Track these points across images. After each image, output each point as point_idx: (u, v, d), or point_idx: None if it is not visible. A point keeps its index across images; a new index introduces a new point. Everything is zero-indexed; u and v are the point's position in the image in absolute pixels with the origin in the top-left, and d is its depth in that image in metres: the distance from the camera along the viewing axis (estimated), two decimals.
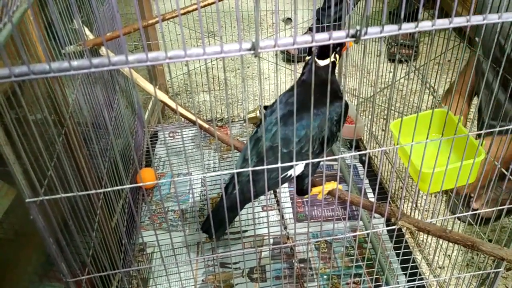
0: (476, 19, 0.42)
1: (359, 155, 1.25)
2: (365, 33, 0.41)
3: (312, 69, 0.72)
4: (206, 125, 0.79)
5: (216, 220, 0.71)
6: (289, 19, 1.97)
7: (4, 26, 0.48)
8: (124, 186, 0.46)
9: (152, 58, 0.39)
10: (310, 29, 1.91)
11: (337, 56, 0.74)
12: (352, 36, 0.41)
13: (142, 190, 1.17)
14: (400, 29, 0.41)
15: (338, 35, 0.41)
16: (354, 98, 1.47)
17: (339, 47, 0.75)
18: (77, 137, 0.73)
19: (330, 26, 1.62)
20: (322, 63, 0.72)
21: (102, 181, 0.89)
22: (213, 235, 0.74)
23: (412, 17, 1.81)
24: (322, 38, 0.41)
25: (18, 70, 0.38)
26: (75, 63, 0.38)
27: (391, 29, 0.41)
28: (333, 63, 0.73)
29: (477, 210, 0.99)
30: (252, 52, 0.41)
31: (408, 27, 0.41)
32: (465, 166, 0.66)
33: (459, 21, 0.42)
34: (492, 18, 0.43)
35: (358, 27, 0.40)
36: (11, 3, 0.55)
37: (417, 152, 0.77)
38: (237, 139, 1.34)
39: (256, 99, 1.68)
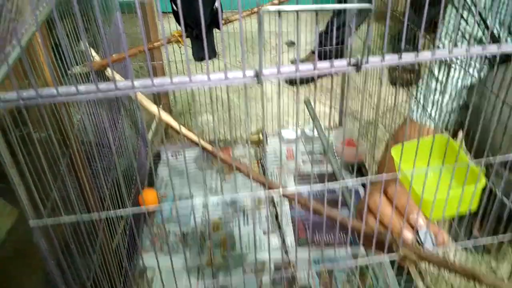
0: (475, 50, 0.43)
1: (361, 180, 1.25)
2: (366, 62, 0.42)
3: None
4: (209, 147, 0.80)
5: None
6: (293, 42, 1.99)
7: (13, 48, 0.49)
8: (127, 209, 0.46)
9: (157, 84, 0.40)
10: (313, 52, 1.94)
11: None
12: (354, 65, 0.42)
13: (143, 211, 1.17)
14: (400, 58, 0.42)
15: (340, 64, 0.42)
16: (356, 121, 1.48)
17: None
18: (81, 157, 0.74)
19: (332, 50, 1.64)
20: None
21: (104, 202, 0.89)
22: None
23: (414, 41, 1.83)
24: (324, 66, 0.42)
25: (26, 94, 0.39)
26: (82, 88, 0.39)
27: (391, 59, 0.42)
28: None
29: (478, 237, 0.98)
30: (255, 79, 0.41)
31: (408, 57, 0.42)
32: (467, 193, 0.66)
33: (459, 52, 0.43)
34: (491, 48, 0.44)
35: (359, 56, 0.41)
36: (20, 26, 0.57)
37: (419, 177, 0.77)
38: (240, 160, 1.34)
39: (259, 120, 1.69)
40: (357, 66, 0.42)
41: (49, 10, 0.57)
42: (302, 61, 1.91)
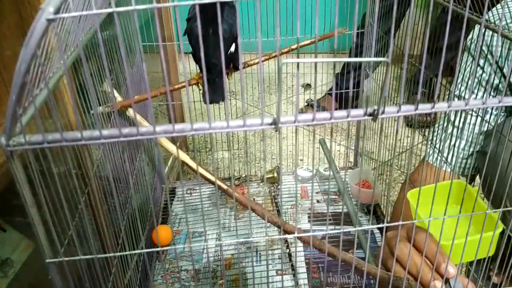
0: (492, 102, 0.44)
1: (377, 222, 1.24)
2: (383, 112, 0.42)
3: None
4: (224, 186, 0.80)
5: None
6: (309, 84, 2.02)
7: (41, 91, 0.51)
8: (142, 250, 0.47)
9: (178, 129, 0.41)
10: (329, 93, 1.95)
11: None
12: (370, 115, 0.42)
13: (156, 247, 1.17)
14: (416, 109, 0.43)
15: (356, 113, 0.43)
16: (371, 162, 1.47)
17: None
18: (99, 192, 0.75)
19: (348, 91, 1.65)
20: None
21: (119, 237, 0.89)
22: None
23: (431, 82, 1.84)
24: (340, 115, 0.43)
25: (51, 137, 0.40)
26: (105, 132, 0.40)
27: (407, 109, 0.43)
28: None
29: (497, 285, 0.96)
30: (273, 127, 0.42)
31: (424, 108, 0.43)
32: (484, 239, 0.65)
33: (475, 103, 0.43)
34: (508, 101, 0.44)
35: (375, 107, 0.42)
36: (48, 69, 0.59)
37: (435, 222, 0.76)
38: (254, 198, 1.34)
39: (274, 158, 1.70)
40: (374, 116, 0.42)
41: (76, 53, 0.60)
42: (318, 101, 1.93)
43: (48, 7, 0.35)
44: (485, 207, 0.71)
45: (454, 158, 0.86)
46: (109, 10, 0.35)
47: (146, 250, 0.49)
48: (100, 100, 0.82)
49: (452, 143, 0.85)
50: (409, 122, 1.80)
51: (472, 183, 0.92)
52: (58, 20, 0.35)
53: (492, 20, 0.79)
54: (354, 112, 0.43)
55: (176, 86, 0.88)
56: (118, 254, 0.46)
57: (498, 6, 0.81)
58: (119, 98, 0.86)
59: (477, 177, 0.93)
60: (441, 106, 0.43)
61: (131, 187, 0.78)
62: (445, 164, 0.86)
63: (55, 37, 0.41)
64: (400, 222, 0.51)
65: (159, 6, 0.35)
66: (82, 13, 0.33)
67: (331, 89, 1.96)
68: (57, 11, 0.35)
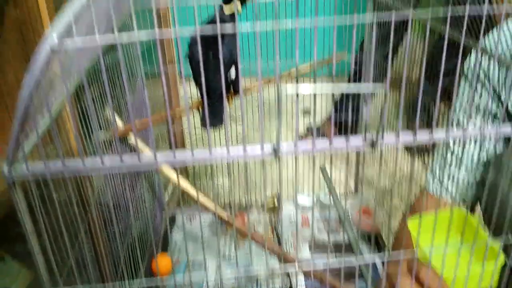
0: (490, 130, 0.44)
1: (378, 251, 1.23)
2: (382, 140, 0.43)
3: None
4: (225, 215, 0.80)
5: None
6: (308, 111, 2.04)
7: (43, 118, 0.51)
8: (142, 280, 0.46)
9: (179, 157, 0.42)
10: (329, 119, 1.96)
11: (238, 2, 0.86)
12: (369, 143, 0.43)
13: (156, 276, 1.15)
14: (415, 137, 0.43)
15: (355, 141, 0.43)
16: (371, 189, 1.47)
17: None
18: (99, 220, 0.75)
19: (347, 118, 1.66)
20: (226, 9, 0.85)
21: (118, 266, 0.88)
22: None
23: (429, 108, 1.85)
24: (339, 143, 0.43)
25: (53, 166, 0.41)
26: (107, 161, 0.40)
27: (406, 138, 0.43)
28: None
29: None
30: (273, 155, 0.43)
31: (423, 136, 0.43)
32: (486, 270, 0.65)
33: (474, 133, 0.44)
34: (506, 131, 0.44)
35: (374, 134, 0.42)
36: (51, 96, 0.60)
37: (437, 253, 0.75)
38: (254, 226, 1.34)
39: (274, 185, 1.70)
40: (373, 144, 0.43)
41: (79, 80, 0.61)
42: (318, 128, 1.94)
43: (52, 35, 0.35)
44: (486, 238, 0.70)
45: (454, 187, 0.86)
46: (113, 40, 0.36)
47: (145, 279, 0.49)
48: (102, 125, 0.83)
49: (452, 171, 0.85)
50: (409, 148, 1.81)
51: (473, 212, 0.92)
52: (61, 48, 0.36)
53: (488, 46, 0.80)
54: (353, 140, 0.43)
55: (177, 109, 0.89)
56: (117, 283, 0.46)
57: (494, 31, 0.82)
58: (120, 124, 0.87)
59: (478, 205, 0.93)
60: (439, 134, 0.43)
61: (131, 215, 0.78)
62: (445, 193, 0.86)
63: (58, 64, 0.41)
64: (402, 256, 0.51)
65: (161, 36, 0.36)
66: (85, 42, 0.34)
67: (330, 116, 1.97)
68: (60, 38, 0.36)
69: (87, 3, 0.32)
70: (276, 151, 0.42)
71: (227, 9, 0.84)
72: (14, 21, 0.64)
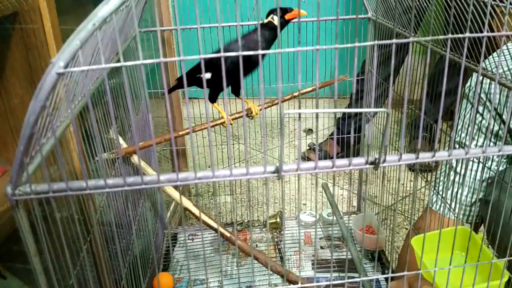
0: (492, 150, 0.44)
1: (382, 268, 1.22)
2: (384, 161, 0.43)
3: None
4: (227, 234, 0.80)
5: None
6: (310, 130, 2.05)
7: (48, 140, 0.52)
8: None
9: (182, 178, 0.42)
10: (331, 138, 1.97)
11: (275, 17, 0.95)
12: (371, 164, 0.43)
13: None
14: (417, 158, 0.43)
15: (358, 162, 0.43)
16: (375, 206, 1.46)
17: (283, 13, 0.94)
18: (101, 239, 0.75)
19: (350, 136, 1.67)
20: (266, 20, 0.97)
21: (120, 285, 0.88)
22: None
23: (431, 127, 1.85)
24: (342, 164, 0.43)
25: (57, 186, 0.41)
26: (110, 181, 0.41)
27: (408, 158, 0.43)
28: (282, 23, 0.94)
29: None
30: (276, 175, 0.43)
31: (425, 157, 0.43)
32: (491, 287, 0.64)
33: (475, 152, 0.44)
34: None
35: (376, 156, 0.43)
36: (56, 119, 0.60)
37: (442, 271, 0.75)
38: (257, 244, 1.33)
39: (277, 203, 1.69)
40: (375, 165, 0.43)
41: (84, 102, 0.61)
42: (320, 145, 1.94)
43: (59, 61, 0.36)
44: (490, 256, 0.70)
45: (457, 205, 0.86)
46: (117, 64, 0.36)
47: None
48: (105, 146, 0.83)
49: (455, 190, 0.85)
50: (411, 166, 1.80)
51: (477, 230, 0.92)
52: (67, 74, 0.37)
53: (489, 68, 0.80)
54: (355, 160, 0.43)
55: (180, 133, 0.90)
56: None
57: (495, 54, 0.83)
58: (124, 145, 0.87)
59: (482, 224, 0.92)
60: (441, 154, 0.44)
61: (133, 233, 0.78)
62: (449, 211, 0.86)
63: (63, 88, 0.42)
64: (405, 273, 0.51)
65: (165, 61, 0.36)
66: (91, 67, 0.35)
67: (332, 133, 1.98)
68: (67, 64, 0.36)
69: (93, 31, 0.33)
70: (278, 171, 0.42)
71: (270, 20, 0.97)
72: (20, 46, 0.65)
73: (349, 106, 1.88)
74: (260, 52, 0.37)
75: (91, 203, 0.67)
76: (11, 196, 0.40)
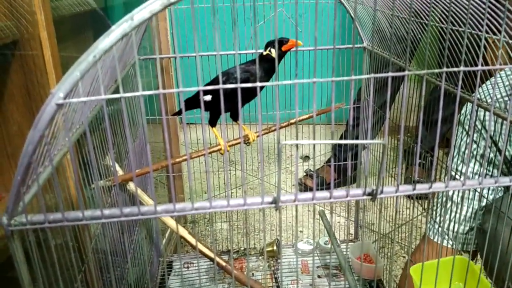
0: (488, 182, 0.44)
1: None
2: (381, 192, 0.43)
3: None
4: (223, 263, 0.79)
5: None
6: (307, 157, 2.05)
7: (45, 169, 0.52)
8: None
9: (179, 208, 0.42)
10: (328, 164, 1.97)
11: (272, 50, 0.98)
12: (369, 195, 0.43)
13: None
14: (414, 189, 0.44)
15: (355, 193, 0.43)
16: (372, 234, 1.45)
17: (280, 45, 0.97)
18: (95, 268, 0.74)
19: (346, 162, 1.67)
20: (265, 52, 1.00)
21: None
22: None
23: (427, 154, 1.86)
24: (339, 195, 0.43)
25: (53, 217, 0.41)
26: (106, 212, 0.40)
27: (405, 189, 0.44)
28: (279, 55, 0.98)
29: None
30: (273, 205, 0.43)
31: (422, 188, 0.43)
32: None
33: (471, 184, 0.44)
34: (504, 181, 0.45)
35: (374, 187, 0.43)
36: (53, 147, 0.60)
37: None
38: (253, 273, 1.31)
39: (273, 230, 1.68)
40: (372, 196, 0.43)
41: (81, 130, 0.61)
42: (317, 171, 1.94)
43: (59, 92, 0.36)
44: (488, 286, 0.69)
45: (454, 234, 0.85)
46: (117, 95, 0.37)
47: None
48: (101, 173, 0.83)
49: (451, 218, 0.85)
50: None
51: (475, 259, 0.91)
52: (66, 104, 0.37)
53: (483, 96, 0.81)
54: (353, 191, 0.43)
55: (177, 160, 0.90)
56: None
57: (488, 82, 0.84)
58: (120, 172, 0.87)
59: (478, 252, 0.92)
60: (438, 186, 0.44)
61: (128, 261, 0.77)
62: (446, 240, 0.85)
63: (62, 116, 0.42)
64: None
65: (164, 92, 0.36)
66: (90, 98, 0.35)
67: (329, 159, 1.98)
68: (66, 96, 0.37)
69: (94, 62, 0.33)
70: (276, 203, 0.42)
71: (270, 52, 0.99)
72: (20, 73, 0.66)
73: (346, 132, 1.89)
74: (259, 84, 0.37)
75: (86, 232, 0.66)
76: (6, 227, 0.39)
